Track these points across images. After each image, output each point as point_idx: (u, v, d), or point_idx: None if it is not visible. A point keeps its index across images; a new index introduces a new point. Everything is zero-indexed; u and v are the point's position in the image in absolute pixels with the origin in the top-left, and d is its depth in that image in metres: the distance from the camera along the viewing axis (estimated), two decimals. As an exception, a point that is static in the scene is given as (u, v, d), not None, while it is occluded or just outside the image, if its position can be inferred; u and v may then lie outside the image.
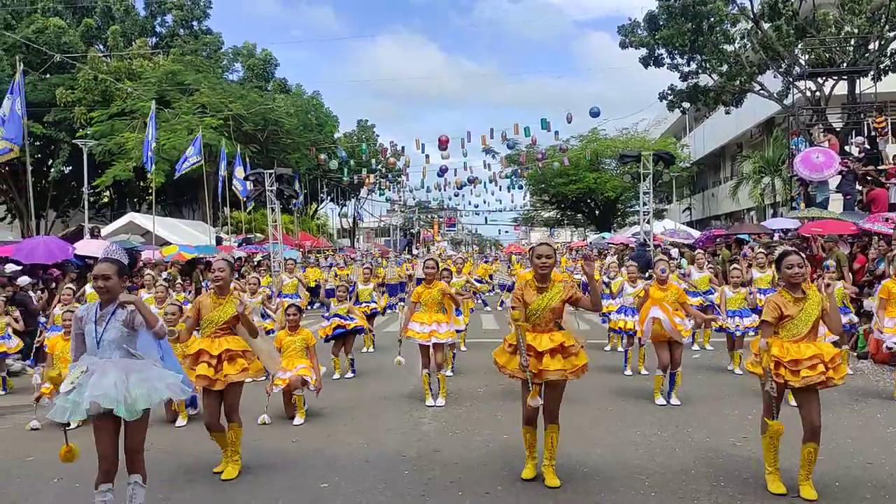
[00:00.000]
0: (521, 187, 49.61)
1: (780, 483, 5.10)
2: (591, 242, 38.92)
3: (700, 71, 26.98)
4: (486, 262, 34.15)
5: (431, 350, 8.34)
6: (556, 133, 36.21)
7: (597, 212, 48.38)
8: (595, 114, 31.50)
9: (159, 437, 6.83)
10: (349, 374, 10.42)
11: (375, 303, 12.92)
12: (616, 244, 27.62)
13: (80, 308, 4.68)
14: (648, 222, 21.02)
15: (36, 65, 29.58)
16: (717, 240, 19.43)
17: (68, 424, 4.44)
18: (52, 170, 32.86)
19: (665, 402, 7.97)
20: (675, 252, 17.23)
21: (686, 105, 29.08)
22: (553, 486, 5.29)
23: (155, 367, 4.52)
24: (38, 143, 31.38)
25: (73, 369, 4.44)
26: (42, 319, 11.18)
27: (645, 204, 20.80)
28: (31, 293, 12.66)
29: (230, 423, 5.87)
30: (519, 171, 43.66)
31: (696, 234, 26.19)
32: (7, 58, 29.50)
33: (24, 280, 12.67)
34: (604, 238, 35.20)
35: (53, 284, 13.71)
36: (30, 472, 6.15)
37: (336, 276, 18.68)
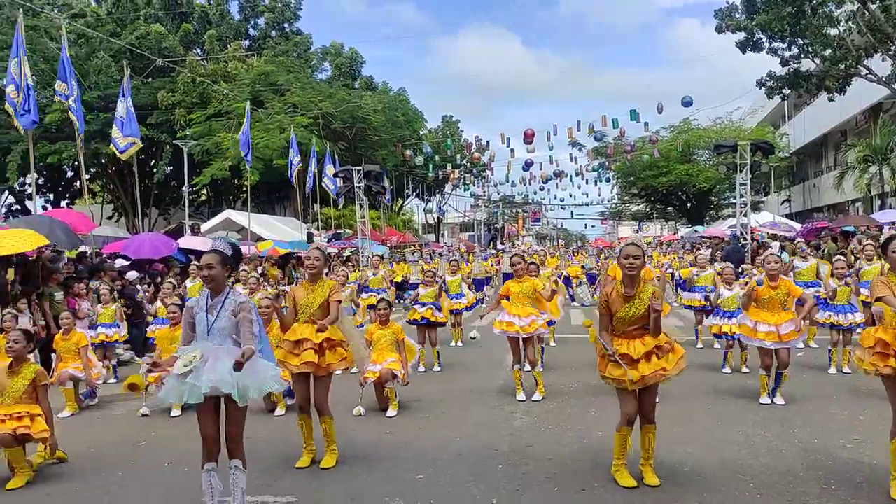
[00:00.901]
0: (608, 180, 48.85)
1: None
2: (682, 236, 37.90)
3: (802, 55, 25.80)
4: (576, 251, 33.71)
5: (522, 344, 8.30)
6: (646, 124, 35.37)
7: (688, 204, 47.05)
8: (687, 103, 30.65)
9: (259, 426, 7.04)
10: (436, 368, 10.49)
11: (465, 296, 12.98)
12: (710, 238, 26.79)
13: (191, 299, 4.93)
14: (745, 215, 20.28)
15: (139, 70, 31.00)
16: (822, 232, 18.57)
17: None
18: (156, 170, 34.39)
19: (769, 401, 7.64)
20: (775, 245, 16.57)
21: (786, 92, 27.88)
22: (652, 484, 5.18)
23: (261, 360, 4.68)
24: (141, 145, 32.91)
25: (184, 353, 4.63)
26: (148, 311, 11.74)
27: (742, 196, 20.11)
28: (138, 287, 13.30)
29: (322, 417, 5.95)
30: (606, 163, 42.94)
31: (797, 226, 25.11)
32: (114, 63, 31.04)
33: (132, 275, 13.35)
34: (696, 231, 34.23)
35: (158, 279, 14.35)
36: (141, 457, 6.45)
37: (423, 270, 18.84)
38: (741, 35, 25.96)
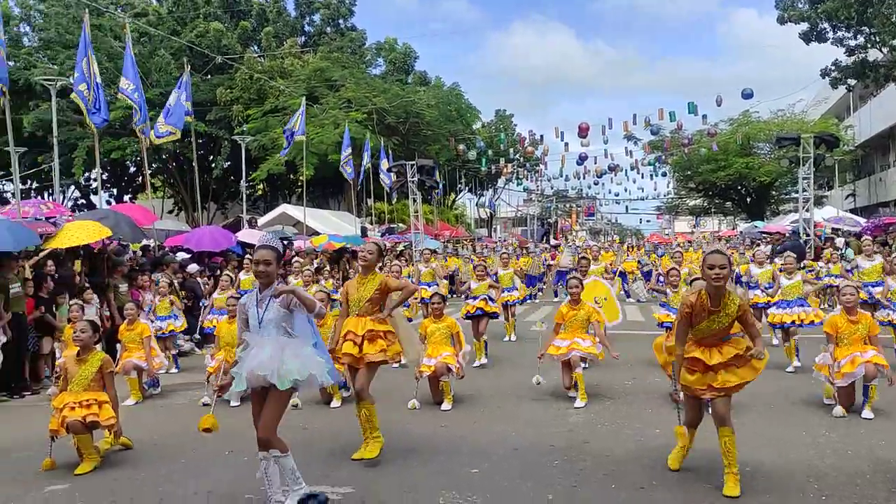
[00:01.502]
0: (664, 174, 48.04)
1: None
2: (741, 232, 37.04)
3: (868, 45, 24.91)
4: (631, 246, 33.26)
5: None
6: (704, 117, 34.63)
7: (748, 199, 45.92)
8: (748, 95, 29.88)
9: (316, 418, 7.14)
10: (483, 360, 10.46)
11: (517, 289, 12.95)
12: (770, 233, 26.10)
13: (244, 296, 5.05)
14: (808, 210, 19.70)
15: (198, 67, 31.67)
16: (890, 228, 17.92)
17: (213, 401, 4.82)
18: (214, 165, 35.13)
19: (843, 414, 6.96)
20: (840, 241, 16.06)
21: (851, 82, 26.98)
22: (730, 495, 4.84)
23: (308, 347, 4.79)
24: (200, 141, 33.63)
25: (239, 349, 4.88)
26: (203, 302, 12.02)
27: (804, 190, 19.53)
28: (198, 279, 13.62)
29: (362, 402, 5.90)
30: (663, 157, 42.22)
31: (863, 221, 24.29)
32: (174, 61, 31.79)
33: (193, 267, 13.69)
34: (756, 227, 33.38)
35: (218, 271, 14.66)
36: (203, 445, 6.59)
37: (474, 266, 18.82)
38: (804, 25, 25.20)
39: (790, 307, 9.65)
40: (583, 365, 7.91)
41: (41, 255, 10.53)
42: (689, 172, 45.57)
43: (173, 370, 10.75)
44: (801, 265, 13.70)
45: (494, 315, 10.98)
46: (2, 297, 9.19)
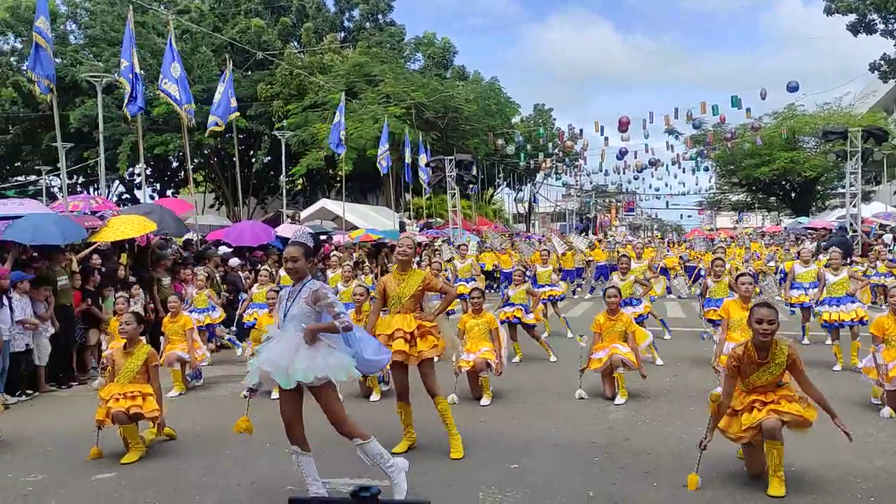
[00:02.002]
0: (706, 169, 47.35)
1: None
2: (786, 227, 36.32)
3: (919, 37, 24.23)
4: (673, 242, 32.80)
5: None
6: (748, 110, 33.97)
7: (793, 194, 45.02)
8: (793, 88, 29.26)
9: (356, 411, 7.16)
10: (515, 360, 10.29)
11: (555, 286, 12.83)
12: (816, 229, 25.56)
13: (284, 289, 5.12)
14: (855, 205, 19.23)
15: (239, 63, 32.03)
16: (940, 224, 17.41)
17: (252, 392, 5.17)
18: (255, 160, 35.55)
19: (891, 416, 6.76)
20: (888, 238, 15.65)
21: (901, 75, 26.28)
22: (775, 495, 4.76)
23: (325, 347, 4.73)
24: (241, 136, 34.08)
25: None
26: (242, 296, 12.17)
27: (851, 185, 19.07)
28: (239, 273, 13.80)
29: (434, 398, 5.93)
30: (705, 151, 41.58)
31: (913, 217, 23.63)
32: (216, 58, 32.21)
33: (234, 261, 13.89)
34: (800, 223, 32.71)
35: (258, 265, 14.83)
36: (245, 437, 6.66)
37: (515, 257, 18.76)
38: (852, 17, 24.56)
39: (840, 304, 9.41)
40: (622, 369, 7.80)
41: (88, 249, 10.76)
42: (731, 167, 44.89)
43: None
44: (848, 261, 13.40)
45: (531, 326, 10.73)
46: (50, 289, 9.42)
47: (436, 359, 6.22)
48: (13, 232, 9.63)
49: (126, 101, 13.53)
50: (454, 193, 23.97)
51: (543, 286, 12.52)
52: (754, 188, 47.78)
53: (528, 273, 11.99)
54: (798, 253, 13.03)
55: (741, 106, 31.54)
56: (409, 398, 6.05)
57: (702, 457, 5.03)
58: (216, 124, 16.58)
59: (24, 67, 31.59)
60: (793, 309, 11.82)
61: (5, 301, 8.70)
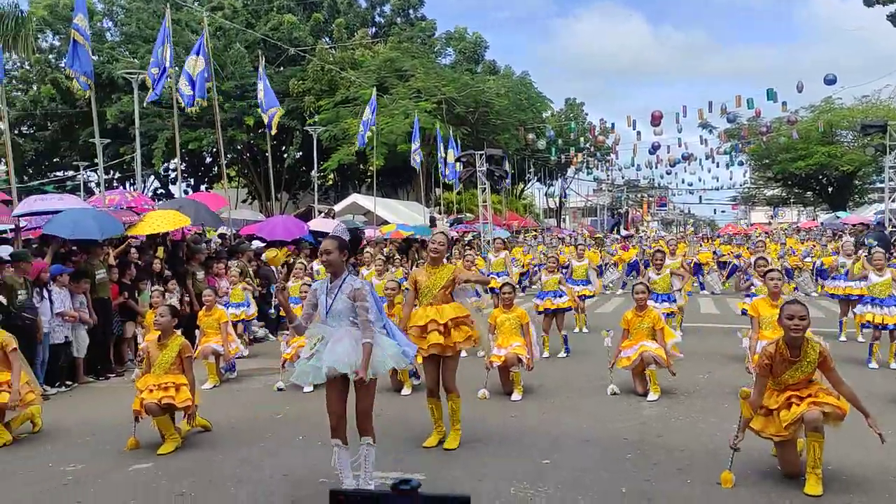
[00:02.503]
0: (741, 164, 46.72)
1: None
2: (822, 223, 35.69)
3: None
4: (705, 237, 32.41)
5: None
6: (784, 104, 33.39)
7: (829, 189, 44.22)
8: (831, 81, 28.67)
9: (388, 405, 7.22)
10: (562, 354, 10.37)
11: (591, 283, 12.74)
12: (853, 225, 25.08)
13: (317, 282, 5.16)
14: (894, 200, 18.84)
15: (271, 59, 32.27)
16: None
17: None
18: (287, 155, 35.84)
19: None
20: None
21: (943, 67, 25.63)
22: (812, 493, 4.70)
23: (380, 337, 4.85)
24: (274, 131, 34.37)
25: (310, 338, 4.92)
26: (273, 287, 12.27)
27: (891, 180, 18.68)
28: (272, 267, 13.92)
29: (449, 395, 6.01)
30: (740, 146, 41.01)
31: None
32: (248, 54, 32.49)
33: (267, 255, 13.99)
34: (838, 217, 32.12)
35: (291, 259, 14.95)
36: (278, 429, 6.77)
37: (547, 256, 18.65)
38: (893, 7, 24.02)
39: (884, 306, 9.21)
40: (653, 366, 7.73)
41: (124, 245, 10.96)
42: (767, 161, 44.23)
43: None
44: (890, 256, 13.13)
45: (566, 309, 10.81)
46: (88, 282, 9.60)
47: (463, 353, 6.24)
48: (53, 226, 9.85)
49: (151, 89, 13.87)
50: (484, 188, 23.89)
51: (578, 283, 12.43)
52: (790, 183, 47.06)
53: (564, 268, 11.99)
54: (839, 248, 12.78)
55: (777, 99, 31.05)
56: (439, 394, 6.07)
57: (734, 455, 4.97)
58: (275, 114, 16.95)
59: (63, 64, 32.20)
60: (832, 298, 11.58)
61: (45, 294, 8.90)
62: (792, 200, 53.90)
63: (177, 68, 15.12)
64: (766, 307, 7.26)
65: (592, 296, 13.48)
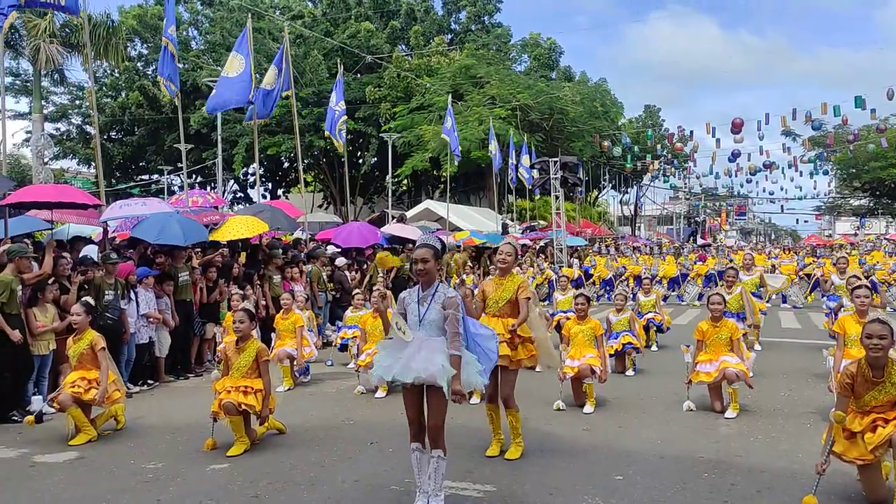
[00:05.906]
0: (826, 173, 44.96)
1: None
2: (914, 235, 33.99)
3: None
4: (788, 249, 31.31)
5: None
6: (873, 111, 31.97)
7: (922, 200, 42.14)
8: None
9: (458, 414, 7.18)
10: (630, 372, 9.96)
11: (658, 312, 12.17)
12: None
13: (405, 290, 5.04)
14: None
15: (349, 66, 32.86)
16: None
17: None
18: (362, 161, 36.40)
19: None
20: None
21: None
22: None
23: (466, 353, 4.78)
24: (349, 137, 34.98)
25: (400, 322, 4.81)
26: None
27: None
28: (346, 273, 14.15)
29: (508, 410, 5.96)
30: (825, 154, 39.47)
31: None
32: (326, 61, 33.16)
33: (341, 261, 14.27)
34: (931, 229, 30.53)
35: (365, 265, 15.16)
36: (352, 434, 6.85)
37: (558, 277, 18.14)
38: None
39: None
40: (736, 384, 7.47)
41: (217, 253, 11.25)
42: (853, 170, 42.49)
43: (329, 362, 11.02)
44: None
45: (637, 350, 9.98)
46: (172, 284, 9.95)
47: (538, 368, 6.17)
48: (141, 231, 10.26)
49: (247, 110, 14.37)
50: (558, 196, 23.69)
51: (647, 313, 11.99)
52: (878, 192, 45.09)
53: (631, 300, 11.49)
54: None
55: (865, 106, 29.78)
56: (498, 400, 6.03)
57: (820, 479, 4.78)
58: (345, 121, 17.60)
59: (150, 72, 33.50)
60: None
61: (132, 295, 9.26)
62: (880, 211, 51.56)
63: (257, 76, 15.55)
64: (852, 324, 6.96)
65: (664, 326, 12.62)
